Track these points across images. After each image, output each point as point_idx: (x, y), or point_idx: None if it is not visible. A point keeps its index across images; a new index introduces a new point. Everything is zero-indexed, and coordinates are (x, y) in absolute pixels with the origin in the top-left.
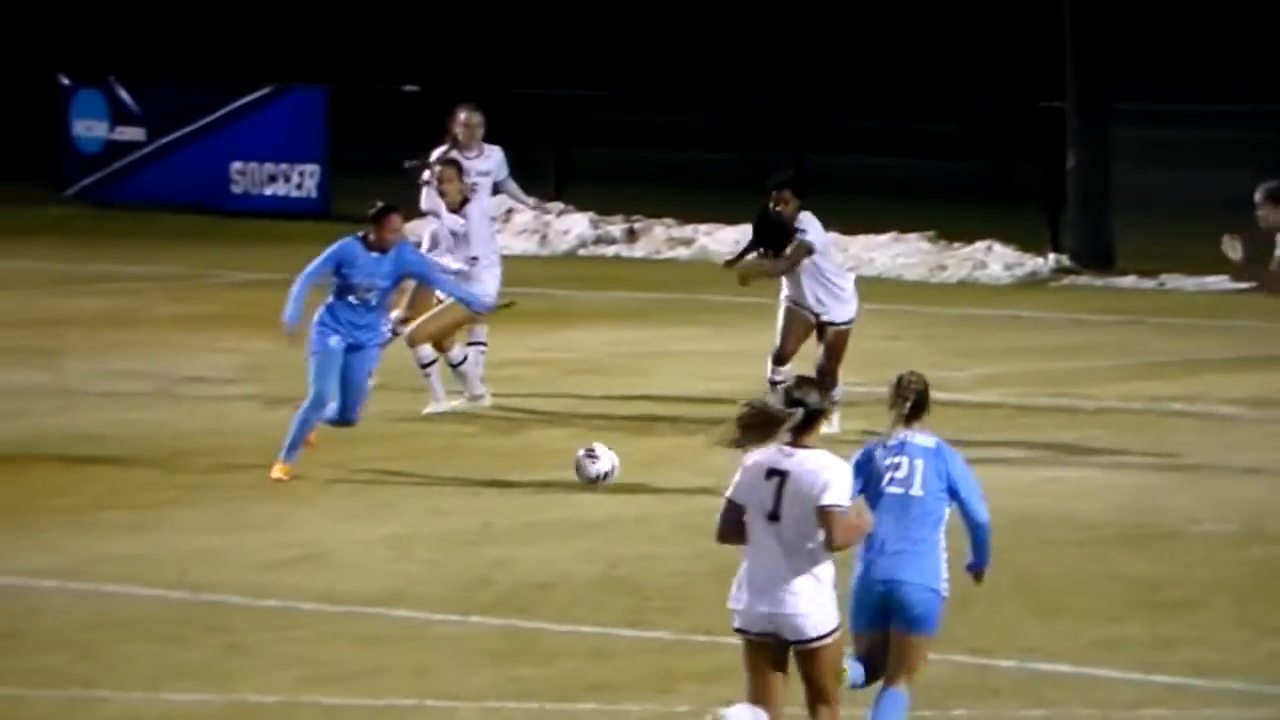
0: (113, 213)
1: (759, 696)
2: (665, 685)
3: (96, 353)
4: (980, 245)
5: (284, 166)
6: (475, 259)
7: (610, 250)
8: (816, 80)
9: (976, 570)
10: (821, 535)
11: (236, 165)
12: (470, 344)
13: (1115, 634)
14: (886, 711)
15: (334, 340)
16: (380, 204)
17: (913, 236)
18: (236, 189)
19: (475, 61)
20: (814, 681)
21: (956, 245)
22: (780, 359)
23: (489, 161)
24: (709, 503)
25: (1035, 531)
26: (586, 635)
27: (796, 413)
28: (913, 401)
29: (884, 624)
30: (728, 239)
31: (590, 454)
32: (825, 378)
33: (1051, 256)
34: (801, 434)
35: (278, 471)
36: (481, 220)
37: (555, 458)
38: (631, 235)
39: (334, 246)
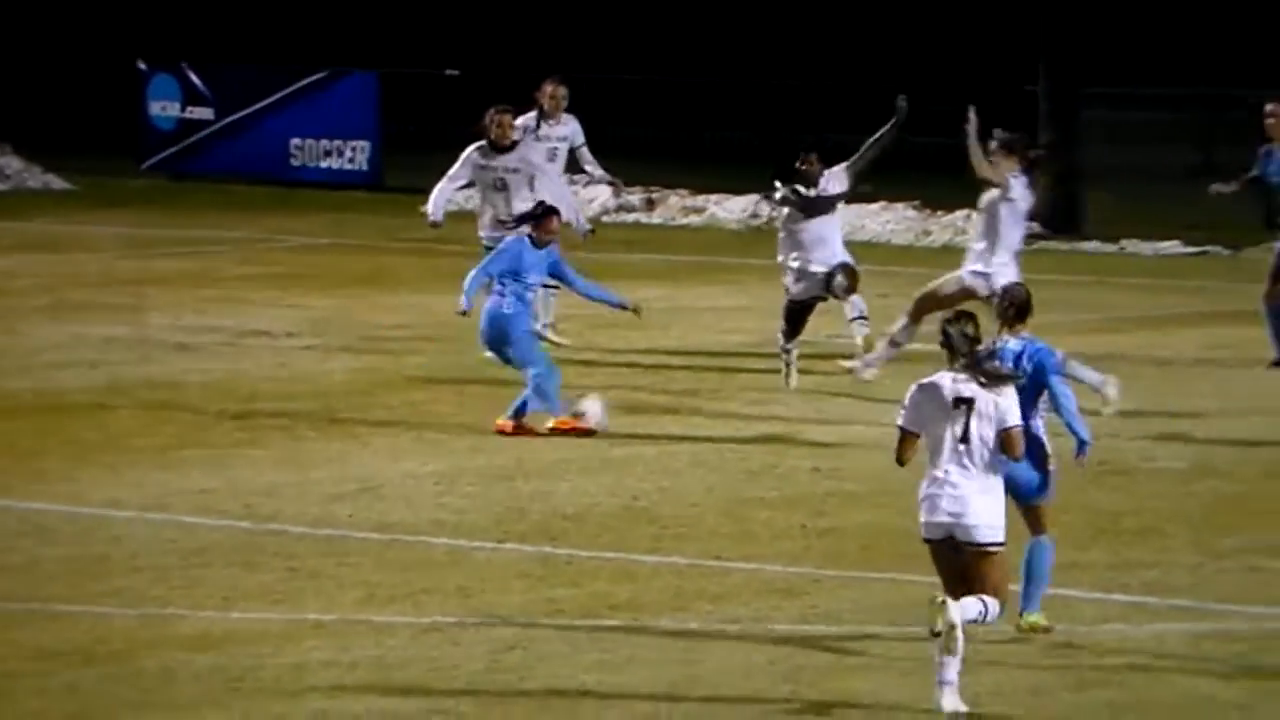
0: (185, 184)
1: None
2: (681, 604)
3: (173, 308)
4: (960, 214)
5: (338, 143)
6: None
7: (630, 217)
8: (816, 65)
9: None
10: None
11: (295, 141)
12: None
13: (1080, 559)
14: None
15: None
16: (544, 205)
17: (900, 205)
18: (295, 162)
19: (510, 47)
20: None
21: (940, 213)
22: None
23: (568, 129)
24: (722, 442)
25: None
26: (611, 560)
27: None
28: (1016, 309)
29: None
30: (735, 208)
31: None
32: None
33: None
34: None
35: (551, 422)
36: (558, 179)
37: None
38: (650, 204)
39: (505, 247)
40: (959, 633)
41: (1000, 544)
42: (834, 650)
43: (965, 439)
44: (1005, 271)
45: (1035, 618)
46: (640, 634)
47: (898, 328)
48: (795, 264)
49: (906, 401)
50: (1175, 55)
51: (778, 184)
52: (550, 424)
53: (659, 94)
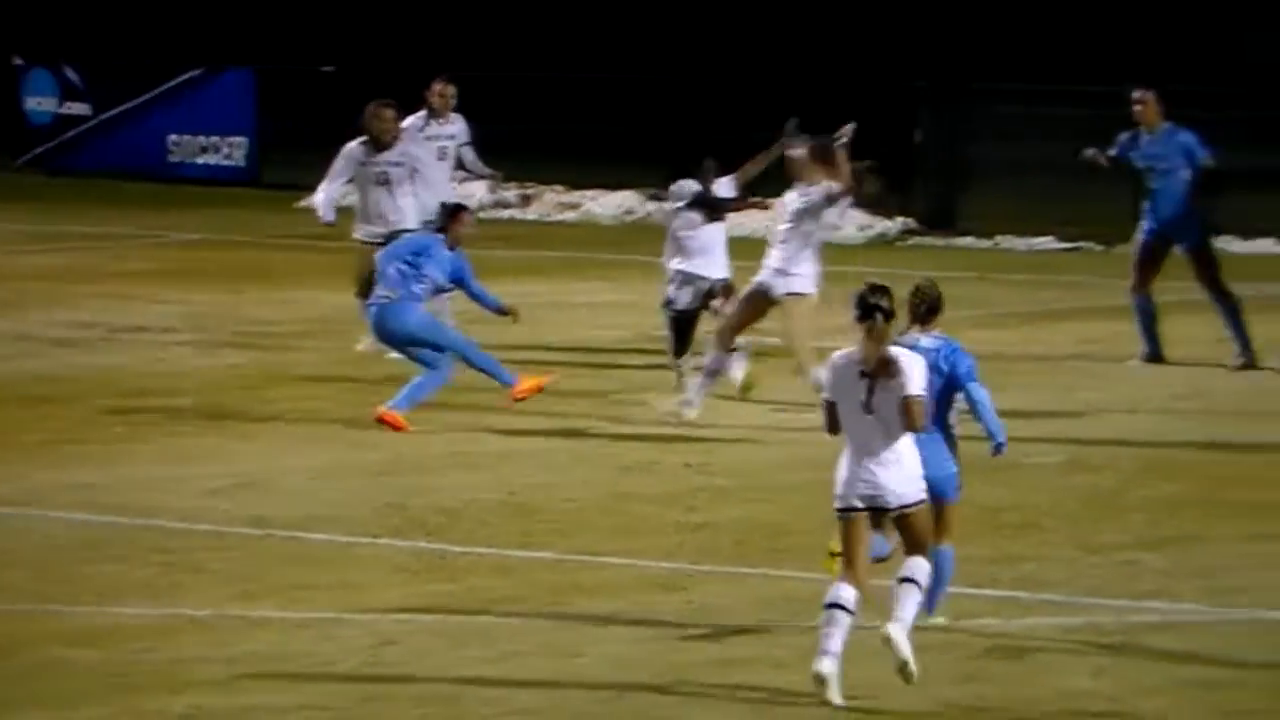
0: (62, 180)
1: None
2: (559, 599)
3: (52, 304)
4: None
5: (215, 139)
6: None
7: (506, 214)
8: (694, 60)
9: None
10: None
11: (173, 137)
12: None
13: (960, 553)
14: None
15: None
16: (453, 203)
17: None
18: (173, 158)
19: (385, 44)
20: None
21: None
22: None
23: (455, 128)
24: (598, 437)
25: None
26: (489, 555)
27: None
28: (927, 305)
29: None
30: (611, 204)
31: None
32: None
33: (899, 219)
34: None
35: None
36: (447, 177)
37: (461, 395)
38: (525, 200)
39: (417, 238)
40: (911, 668)
41: (919, 501)
42: (712, 644)
43: (870, 409)
44: (807, 271)
45: (937, 620)
46: (519, 628)
47: (710, 359)
48: (679, 270)
49: (825, 374)
50: (1062, 52)
51: (681, 184)
52: (520, 389)
53: (533, 90)
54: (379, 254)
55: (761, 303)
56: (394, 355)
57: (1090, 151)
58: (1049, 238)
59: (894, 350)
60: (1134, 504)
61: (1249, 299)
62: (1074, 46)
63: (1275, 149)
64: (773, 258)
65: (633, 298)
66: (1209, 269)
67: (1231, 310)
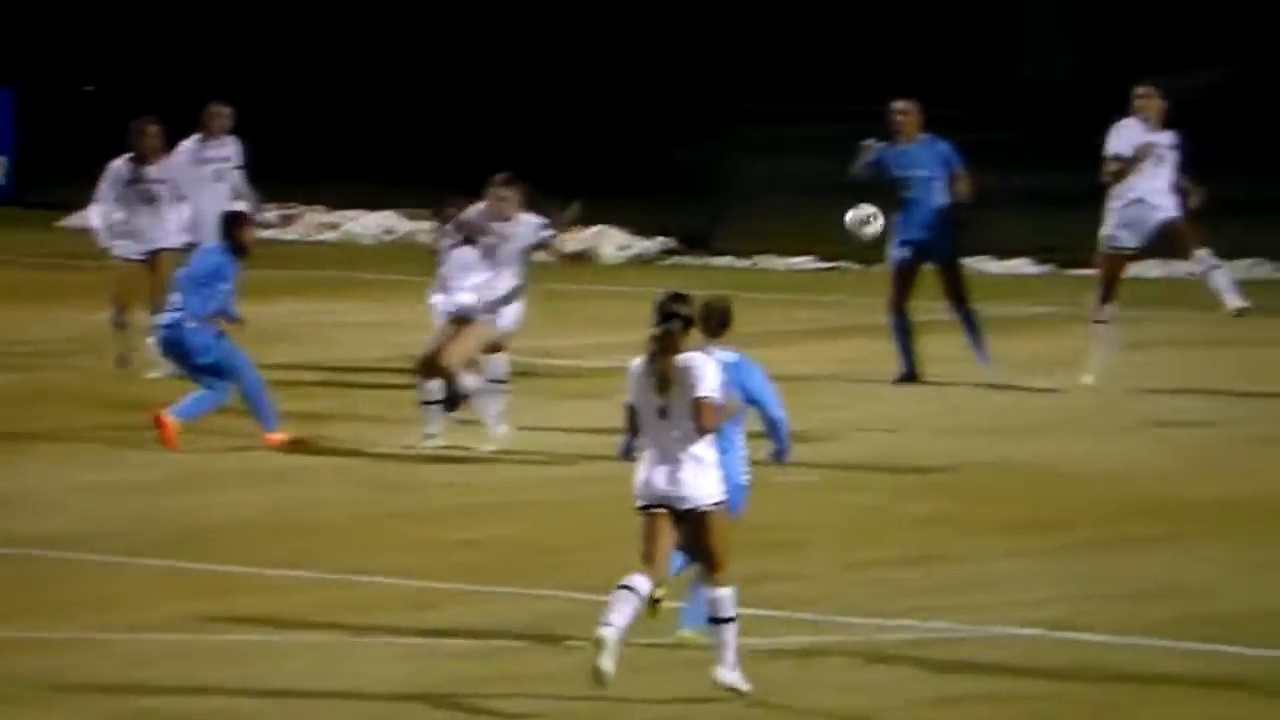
0: None
1: None
2: (323, 617)
3: None
4: (595, 229)
5: None
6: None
7: (267, 234)
8: (452, 79)
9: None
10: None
11: None
12: None
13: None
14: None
15: None
16: (231, 211)
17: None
18: None
19: (147, 64)
20: None
21: (575, 229)
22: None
23: (230, 150)
24: (361, 456)
25: None
26: (252, 573)
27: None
28: (716, 319)
29: None
30: (372, 224)
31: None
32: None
33: (659, 239)
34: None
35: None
36: (219, 200)
37: (225, 414)
38: (286, 220)
39: (206, 256)
40: (743, 687)
41: (715, 502)
42: (475, 662)
43: (665, 413)
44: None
45: (690, 633)
46: (283, 646)
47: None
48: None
49: (627, 379)
50: (824, 71)
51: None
52: (274, 438)
53: (295, 110)
54: (177, 273)
55: (464, 330)
56: (164, 373)
57: (863, 156)
58: (808, 257)
59: (687, 354)
60: (891, 522)
61: (1007, 319)
62: (835, 66)
63: (1037, 169)
64: (468, 284)
65: (395, 317)
66: (956, 284)
67: (973, 325)
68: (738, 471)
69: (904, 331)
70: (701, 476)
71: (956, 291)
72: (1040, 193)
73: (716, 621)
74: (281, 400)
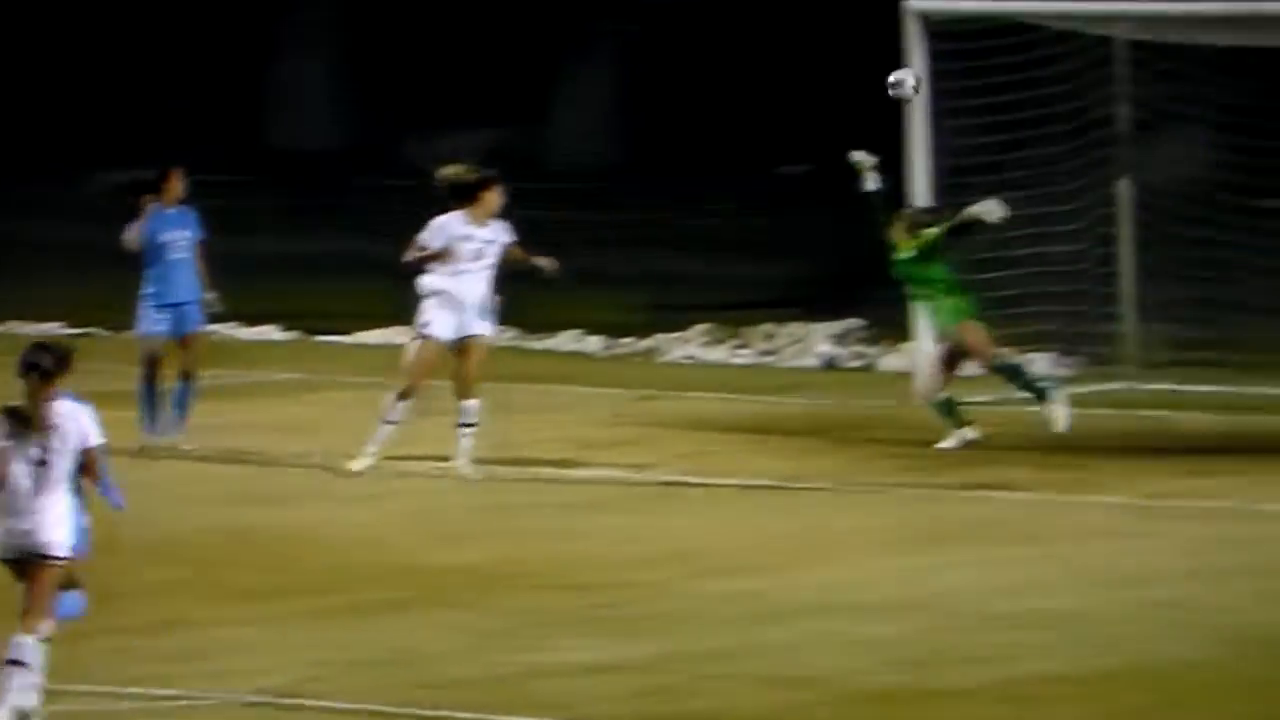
0: None
1: None
2: None
3: None
4: None
5: None
6: None
7: None
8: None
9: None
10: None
11: None
12: None
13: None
14: None
15: None
16: None
17: None
18: None
19: None
20: None
21: None
22: None
23: None
24: None
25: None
26: None
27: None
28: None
29: None
30: None
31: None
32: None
33: None
34: None
35: None
36: None
37: None
38: None
39: None
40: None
41: (61, 556)
42: None
43: (32, 460)
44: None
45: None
46: None
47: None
48: None
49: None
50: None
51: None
52: None
53: None
54: None
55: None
56: None
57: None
58: (57, 323)
59: (61, 405)
60: (128, 589)
61: (252, 385)
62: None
63: (302, 234)
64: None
65: None
66: (195, 351)
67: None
68: (80, 511)
69: (154, 394)
70: (56, 527)
71: (193, 359)
72: (289, 257)
73: (11, 663)
74: None
